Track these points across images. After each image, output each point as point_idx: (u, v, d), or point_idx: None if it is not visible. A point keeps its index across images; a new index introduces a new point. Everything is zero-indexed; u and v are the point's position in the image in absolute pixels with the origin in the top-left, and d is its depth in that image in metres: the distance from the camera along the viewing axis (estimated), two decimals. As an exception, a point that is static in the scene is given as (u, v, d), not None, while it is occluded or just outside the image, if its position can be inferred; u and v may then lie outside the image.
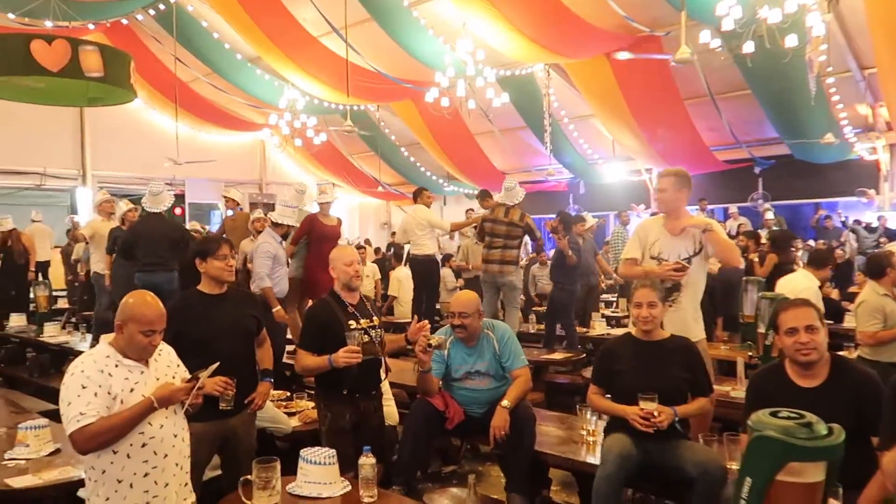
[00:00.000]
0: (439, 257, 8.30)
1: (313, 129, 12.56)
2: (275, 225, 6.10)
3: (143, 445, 2.46)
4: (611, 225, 14.53)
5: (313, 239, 6.31)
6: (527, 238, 7.07)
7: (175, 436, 2.56)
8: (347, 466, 2.91)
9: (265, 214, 7.69)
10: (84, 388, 2.38)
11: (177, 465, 2.56)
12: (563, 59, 10.18)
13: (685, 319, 3.76)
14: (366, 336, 3.42)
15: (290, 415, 4.18)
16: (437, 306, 8.15)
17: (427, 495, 3.96)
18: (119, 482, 2.44)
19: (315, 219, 6.18)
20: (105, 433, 2.36)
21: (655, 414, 2.98)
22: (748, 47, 6.60)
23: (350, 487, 2.81)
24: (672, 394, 3.06)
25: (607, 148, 12.82)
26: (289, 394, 4.62)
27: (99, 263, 7.68)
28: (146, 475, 2.46)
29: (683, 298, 3.77)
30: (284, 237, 6.10)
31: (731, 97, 10.43)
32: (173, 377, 2.63)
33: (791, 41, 6.57)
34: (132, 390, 2.47)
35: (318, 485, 2.78)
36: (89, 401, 2.36)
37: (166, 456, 2.51)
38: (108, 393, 2.41)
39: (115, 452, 2.42)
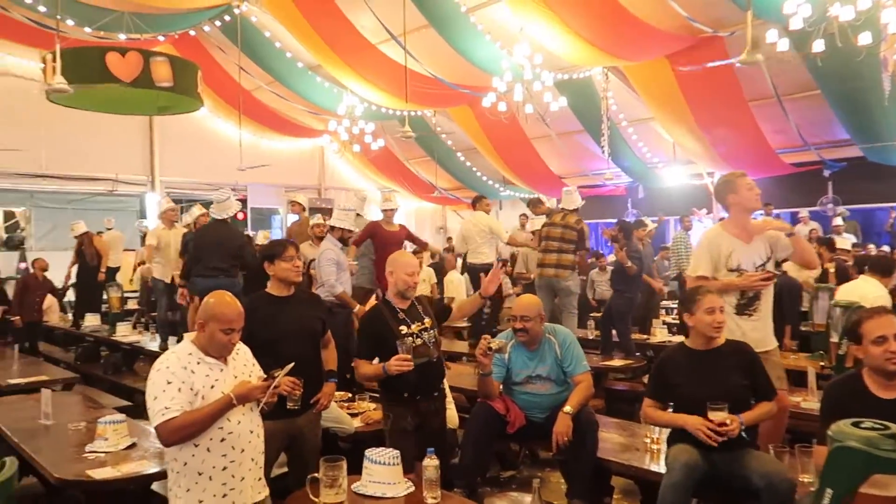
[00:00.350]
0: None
1: (371, 134, 12.77)
2: (331, 229, 6.20)
3: (222, 440, 2.56)
4: (670, 229, 14.26)
5: (377, 245, 6.38)
6: None
7: (251, 432, 2.65)
8: (408, 468, 2.94)
9: (323, 220, 7.85)
10: (169, 383, 2.50)
11: (252, 459, 2.66)
12: (622, 62, 10.05)
13: (766, 328, 3.67)
14: (418, 339, 3.43)
15: (353, 416, 4.25)
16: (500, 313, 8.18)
17: (488, 499, 3.97)
18: (199, 474, 2.55)
19: (378, 225, 6.25)
20: (188, 427, 2.48)
21: (728, 423, 2.89)
22: (818, 46, 6.39)
23: (413, 488, 2.85)
24: (735, 401, 2.98)
25: (667, 151, 12.59)
26: (350, 395, 4.70)
27: (160, 269, 7.89)
28: (224, 468, 2.56)
29: (763, 307, 3.66)
30: (343, 242, 6.17)
31: (798, 98, 10.10)
32: (249, 375, 2.73)
33: (864, 39, 6.32)
34: (212, 387, 2.58)
35: (383, 484, 2.83)
36: (173, 396, 2.48)
37: (243, 451, 2.61)
38: (191, 389, 2.53)
39: (196, 446, 2.53)
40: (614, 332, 7.10)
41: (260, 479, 2.73)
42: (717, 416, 2.91)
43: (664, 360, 3.28)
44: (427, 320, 3.52)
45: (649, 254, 8.09)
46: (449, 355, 6.15)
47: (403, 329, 3.42)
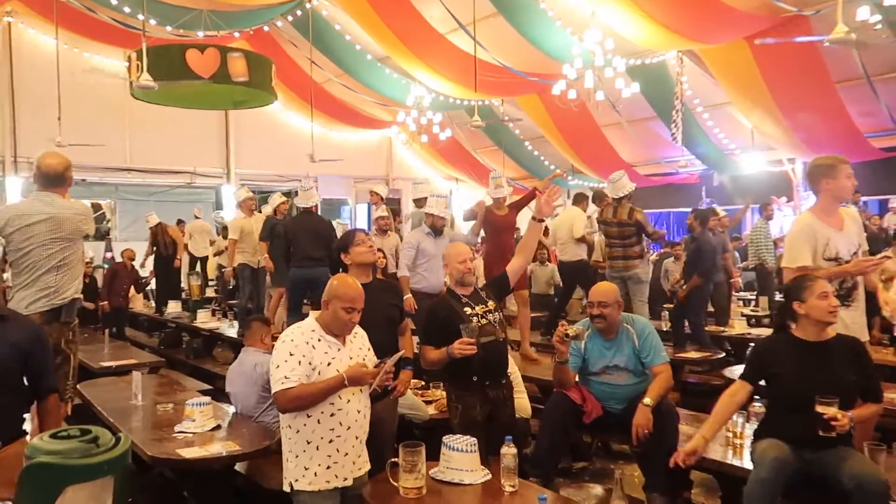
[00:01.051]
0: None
1: (439, 125, 12.81)
2: (425, 216, 6.21)
3: (332, 415, 2.73)
4: (748, 218, 13.78)
5: (488, 232, 6.27)
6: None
7: (359, 412, 2.81)
8: (480, 457, 2.96)
9: (388, 213, 7.94)
10: (291, 355, 2.70)
11: (356, 437, 2.81)
12: (698, 45, 9.73)
13: (863, 318, 3.54)
14: (483, 320, 3.47)
15: (427, 403, 4.30)
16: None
17: (563, 490, 3.95)
18: (308, 443, 2.73)
19: (490, 211, 6.14)
20: (302, 398, 2.67)
21: (839, 417, 2.75)
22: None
23: (490, 476, 2.86)
24: (843, 398, 2.83)
25: (745, 137, 12.13)
26: (424, 383, 4.75)
27: (245, 254, 8.16)
28: (331, 441, 2.73)
29: (860, 296, 3.54)
30: (435, 229, 6.10)
31: (890, 79, 9.55)
32: (363, 359, 2.88)
33: (966, 13, 5.92)
34: (329, 364, 2.75)
35: (461, 471, 2.86)
36: (293, 367, 2.68)
37: (349, 428, 2.77)
38: (310, 364, 2.71)
39: (308, 416, 2.72)
40: (686, 323, 6.96)
41: (361, 455, 2.87)
42: (828, 410, 2.78)
43: (767, 348, 3.13)
44: (490, 303, 3.58)
45: (719, 245, 7.86)
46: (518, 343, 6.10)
47: (467, 310, 3.49)
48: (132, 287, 9.85)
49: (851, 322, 3.44)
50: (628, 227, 6.66)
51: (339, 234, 7.89)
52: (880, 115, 10.08)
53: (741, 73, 9.69)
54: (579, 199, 8.13)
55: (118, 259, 10.36)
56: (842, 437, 2.83)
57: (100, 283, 9.89)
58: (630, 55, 10.23)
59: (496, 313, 3.56)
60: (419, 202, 7.39)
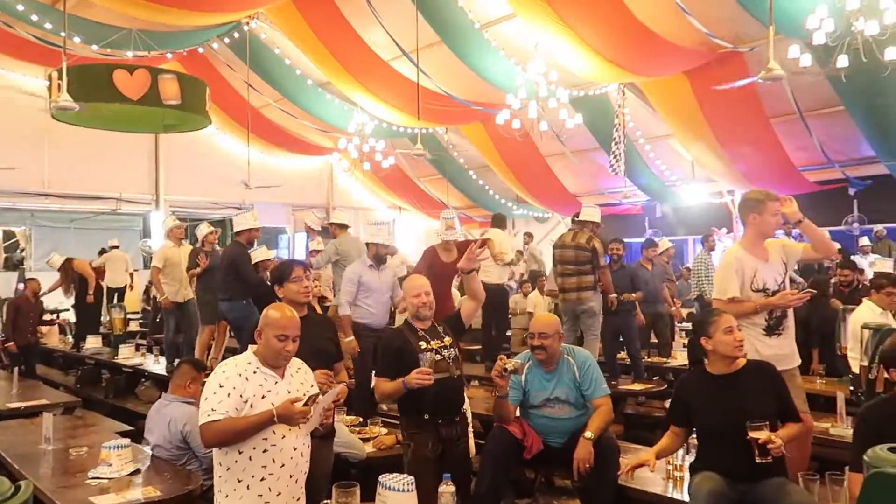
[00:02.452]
0: (513, 284, 8.35)
1: (381, 152, 12.86)
2: (367, 246, 6.03)
3: (265, 451, 2.68)
4: (689, 250, 14.21)
5: (428, 276, 6.12)
6: None
7: (295, 449, 2.76)
8: (429, 496, 2.94)
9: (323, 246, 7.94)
10: (220, 386, 2.66)
11: (291, 476, 2.75)
12: (639, 78, 10.11)
13: (793, 344, 3.72)
14: (437, 356, 3.50)
15: (364, 441, 4.24)
16: (508, 333, 8.16)
17: (504, 528, 3.93)
18: (239, 481, 2.67)
19: (434, 254, 5.90)
20: (228, 433, 2.62)
21: (774, 439, 2.86)
22: (842, 62, 6.41)
23: (429, 516, 2.84)
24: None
25: (686, 169, 12.59)
26: (362, 419, 4.69)
27: (168, 288, 7.92)
28: (262, 479, 2.67)
29: (789, 324, 3.72)
30: (379, 259, 5.95)
31: (822, 114, 10.10)
32: (304, 394, 2.81)
33: (891, 54, 6.34)
34: (263, 397, 2.70)
35: (397, 511, 2.81)
36: (221, 399, 2.64)
37: (283, 466, 2.71)
38: (241, 396, 2.67)
39: (240, 452, 2.67)
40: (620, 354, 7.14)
41: (298, 499, 2.80)
42: (760, 434, 2.87)
43: (683, 386, 3.31)
44: (447, 339, 3.62)
45: (658, 274, 8.08)
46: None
47: (423, 345, 3.52)
48: (41, 321, 9.37)
49: (780, 350, 3.62)
50: (584, 252, 6.63)
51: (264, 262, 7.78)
52: (813, 150, 10.63)
53: (681, 107, 10.10)
54: (499, 221, 8.01)
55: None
56: (775, 466, 2.93)
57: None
58: (573, 86, 10.54)
59: (452, 349, 3.59)
60: (334, 228, 7.22)
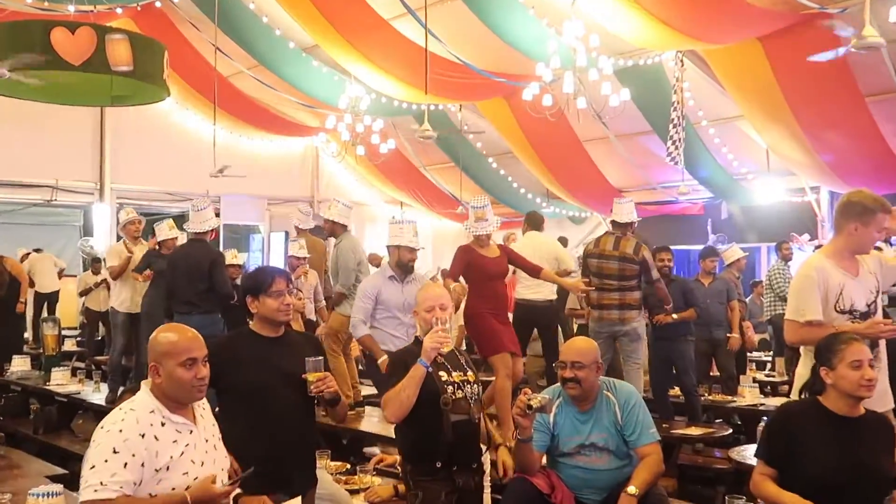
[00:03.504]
0: None
1: (379, 133, 12.90)
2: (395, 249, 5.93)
3: None
4: (763, 260, 14.16)
5: (473, 278, 6.01)
6: None
7: None
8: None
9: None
10: (115, 452, 2.55)
11: None
12: (701, 44, 10.09)
13: (884, 384, 3.66)
14: (458, 392, 3.59)
15: (353, 493, 4.26)
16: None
17: None
18: None
19: (471, 251, 5.92)
20: None
21: None
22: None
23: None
24: (882, 486, 2.99)
25: (759, 159, 12.56)
26: (349, 466, 4.70)
27: (119, 297, 8.05)
28: None
29: (883, 356, 3.68)
30: (405, 267, 5.91)
31: (930, 93, 10.08)
32: (215, 447, 2.82)
33: None
34: (182, 454, 2.66)
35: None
36: (115, 471, 2.52)
37: None
38: (142, 465, 2.56)
39: None
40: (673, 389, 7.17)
41: None
42: None
43: (791, 417, 3.28)
44: (469, 373, 3.71)
45: (714, 293, 8.08)
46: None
47: (443, 375, 3.61)
48: None
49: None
50: (631, 264, 6.64)
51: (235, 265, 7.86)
52: (920, 136, 10.58)
53: (753, 81, 10.07)
54: (534, 221, 8.03)
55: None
56: None
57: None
58: (619, 54, 10.53)
59: (475, 386, 3.70)
60: (333, 227, 7.28)
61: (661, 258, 7.33)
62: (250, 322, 3.53)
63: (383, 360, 5.54)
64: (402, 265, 5.90)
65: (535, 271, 6.27)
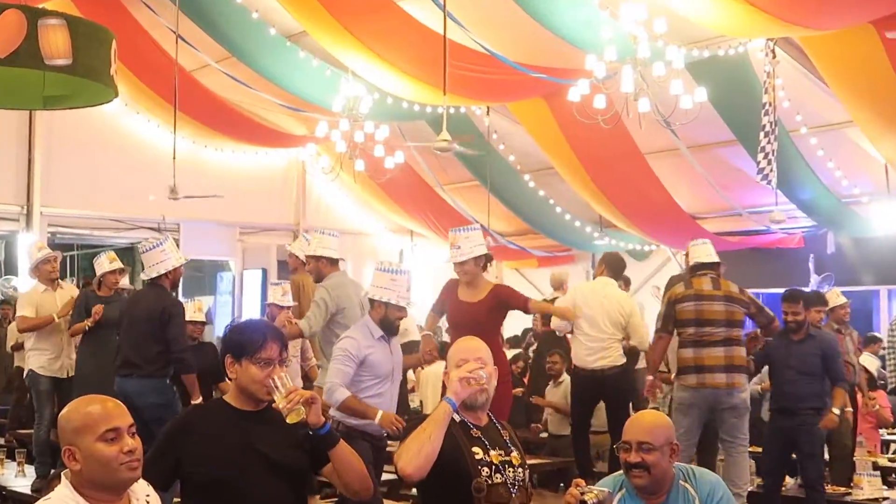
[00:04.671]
0: None
1: (384, 144, 12.93)
2: (371, 303, 6.09)
3: None
4: (882, 307, 14.02)
5: (451, 321, 6.41)
6: None
7: None
8: None
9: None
10: None
11: None
12: (799, 30, 10.10)
13: None
14: (497, 476, 3.59)
15: None
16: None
17: None
18: None
19: (452, 286, 6.29)
20: None
21: None
22: None
23: None
24: None
25: (876, 177, 12.52)
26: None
27: (43, 354, 8.09)
28: None
29: None
30: (388, 327, 6.02)
31: None
32: None
33: None
34: None
35: None
36: None
37: None
38: None
39: None
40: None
41: None
42: None
43: None
44: (515, 454, 3.75)
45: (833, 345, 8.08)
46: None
47: (477, 453, 3.64)
48: None
49: None
50: (740, 307, 6.77)
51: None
52: None
53: (867, 76, 10.05)
54: (614, 265, 8.14)
55: None
56: None
57: None
58: (693, 43, 10.55)
59: (520, 471, 3.76)
60: (318, 264, 7.36)
61: (787, 309, 7.27)
62: (217, 391, 3.55)
63: (381, 414, 5.65)
64: (388, 325, 6.01)
65: (520, 306, 6.63)
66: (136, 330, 7.04)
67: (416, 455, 3.52)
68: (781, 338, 7.33)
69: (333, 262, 7.32)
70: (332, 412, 5.91)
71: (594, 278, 8.32)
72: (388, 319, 5.97)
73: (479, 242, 6.37)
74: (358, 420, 5.81)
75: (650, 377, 7.44)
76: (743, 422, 6.77)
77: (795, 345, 7.21)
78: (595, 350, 7.51)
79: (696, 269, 7.05)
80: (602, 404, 8.01)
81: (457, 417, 3.68)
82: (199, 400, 6.80)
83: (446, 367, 3.85)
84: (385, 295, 5.94)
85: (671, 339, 7.20)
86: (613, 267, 8.03)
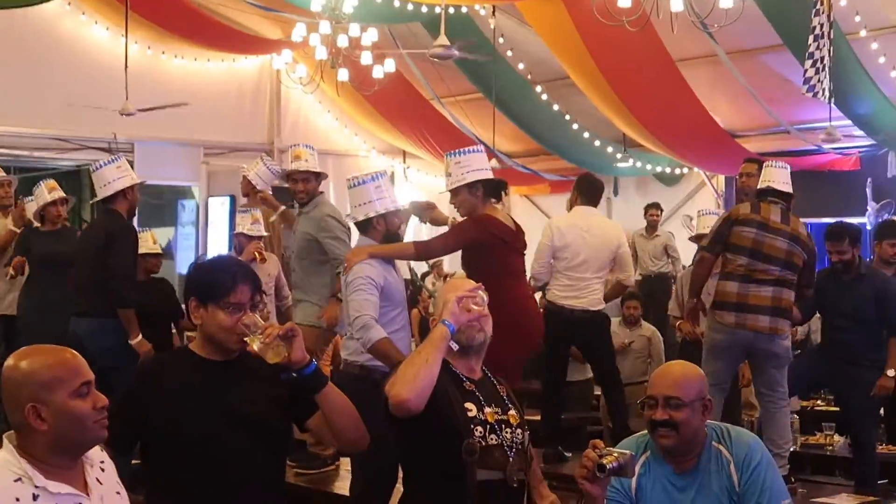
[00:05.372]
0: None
1: (371, 50, 12.84)
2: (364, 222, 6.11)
3: None
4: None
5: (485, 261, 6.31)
6: None
7: None
8: None
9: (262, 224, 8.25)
10: None
11: None
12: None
13: None
14: (491, 437, 3.62)
15: None
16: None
17: None
18: None
19: (490, 219, 6.22)
20: None
21: None
22: None
23: None
24: None
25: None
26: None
27: None
28: None
29: None
30: (392, 235, 6.12)
31: None
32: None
33: None
34: None
35: None
36: None
37: None
38: None
39: None
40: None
41: None
42: None
43: None
44: (512, 412, 3.79)
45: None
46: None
47: (470, 409, 3.67)
48: None
49: None
50: (803, 251, 6.80)
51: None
52: None
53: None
54: (589, 189, 8.01)
55: None
56: None
57: None
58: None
59: (518, 432, 3.77)
60: (310, 183, 7.39)
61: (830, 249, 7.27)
62: (183, 339, 3.57)
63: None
64: (393, 238, 6.15)
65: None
66: (86, 262, 7.06)
67: (412, 380, 3.51)
68: (829, 279, 7.36)
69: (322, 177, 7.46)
70: (343, 354, 6.04)
71: (569, 209, 8.21)
72: (390, 232, 6.06)
73: (474, 167, 6.20)
74: (372, 361, 5.81)
75: (693, 300, 7.47)
76: (783, 373, 6.78)
77: (846, 287, 7.23)
78: (570, 288, 7.56)
79: (767, 194, 7.02)
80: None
81: (450, 365, 3.71)
82: (139, 339, 6.80)
83: (435, 309, 3.89)
84: (379, 206, 5.99)
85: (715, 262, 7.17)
86: (586, 191, 7.89)
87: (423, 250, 6.49)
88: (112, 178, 7.22)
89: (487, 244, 6.17)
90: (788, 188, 6.97)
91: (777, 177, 7.02)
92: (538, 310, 7.14)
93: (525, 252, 6.67)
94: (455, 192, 6.23)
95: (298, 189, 7.30)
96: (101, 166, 7.34)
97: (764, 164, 7.33)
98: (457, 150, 6.31)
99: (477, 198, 6.19)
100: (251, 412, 3.41)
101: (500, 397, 3.81)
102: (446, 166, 6.32)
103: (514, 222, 6.51)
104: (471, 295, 3.66)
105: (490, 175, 6.36)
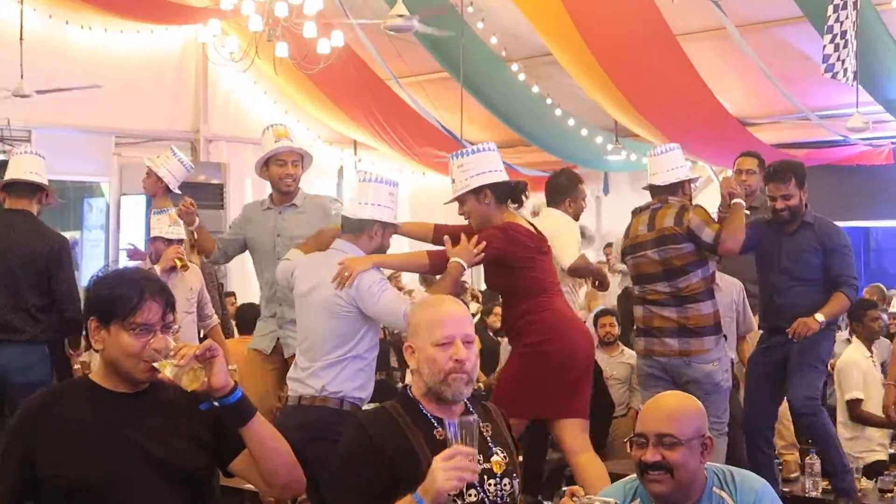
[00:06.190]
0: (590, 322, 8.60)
1: (315, 20, 12.85)
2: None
3: None
4: None
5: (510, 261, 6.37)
6: None
7: None
8: None
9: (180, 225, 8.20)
10: None
11: None
12: None
13: None
14: (470, 493, 3.60)
15: None
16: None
17: None
18: None
19: (516, 227, 6.24)
20: None
21: None
22: None
23: None
24: None
25: None
26: None
27: None
28: None
29: None
30: None
31: None
32: None
33: None
34: None
35: None
36: None
37: None
38: None
39: None
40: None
41: None
42: None
43: None
44: (497, 458, 3.76)
45: None
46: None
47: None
48: None
49: None
50: (675, 244, 6.88)
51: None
52: None
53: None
54: (554, 186, 8.22)
55: None
56: None
57: None
58: None
59: (506, 482, 3.75)
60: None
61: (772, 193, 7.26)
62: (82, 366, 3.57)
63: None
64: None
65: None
66: (9, 278, 7.01)
67: None
68: (768, 231, 7.35)
69: None
70: (334, 387, 5.81)
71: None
72: (383, 248, 6.10)
73: (480, 170, 6.09)
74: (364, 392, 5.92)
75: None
76: (715, 402, 6.81)
77: (787, 238, 7.25)
78: None
79: (652, 195, 7.17)
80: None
81: (420, 407, 3.70)
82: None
83: (410, 338, 3.81)
84: (388, 215, 6.02)
85: None
86: (551, 190, 8.09)
87: (439, 262, 6.24)
88: (34, 168, 7.27)
89: (518, 257, 6.22)
90: (674, 175, 7.08)
91: (658, 166, 7.13)
92: (581, 325, 7.01)
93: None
94: (461, 201, 6.24)
95: (286, 174, 7.16)
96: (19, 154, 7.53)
97: (648, 154, 7.38)
98: (460, 152, 6.31)
99: (487, 205, 6.11)
100: (162, 453, 3.39)
101: (484, 440, 3.72)
102: (450, 171, 6.35)
103: (535, 227, 6.52)
104: (469, 469, 3.38)
105: (501, 177, 6.29)
